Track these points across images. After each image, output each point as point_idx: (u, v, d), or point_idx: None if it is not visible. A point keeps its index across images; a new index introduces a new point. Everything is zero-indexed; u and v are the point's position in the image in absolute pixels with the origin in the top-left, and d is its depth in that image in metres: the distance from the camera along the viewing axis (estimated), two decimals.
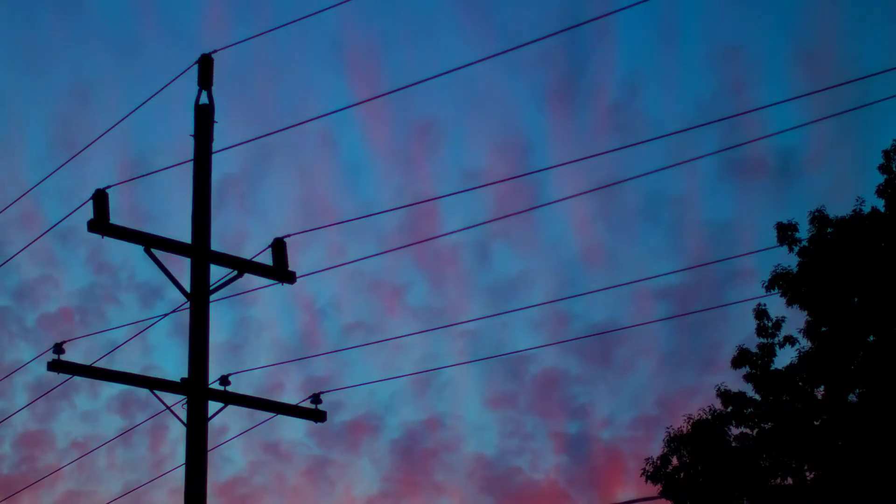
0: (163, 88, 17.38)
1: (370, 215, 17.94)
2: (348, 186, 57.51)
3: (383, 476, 52.62)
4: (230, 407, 16.82)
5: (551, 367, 50.86)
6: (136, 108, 17.91)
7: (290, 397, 47.80)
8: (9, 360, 51.24)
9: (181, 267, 16.54)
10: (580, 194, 17.02)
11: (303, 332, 53.44)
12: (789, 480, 25.65)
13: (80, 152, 18.63)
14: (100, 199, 16.05)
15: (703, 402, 26.68)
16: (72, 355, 16.16)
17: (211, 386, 16.35)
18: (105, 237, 16.01)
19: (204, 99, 16.87)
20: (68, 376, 16.39)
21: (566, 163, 15.83)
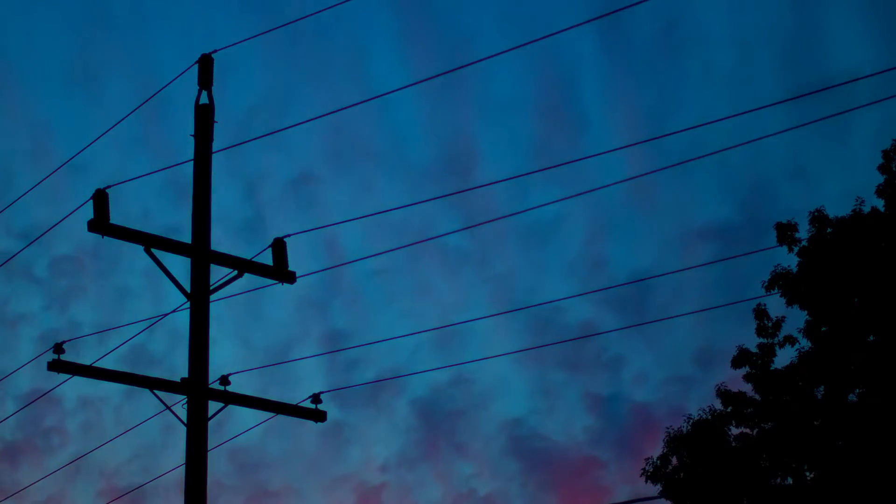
0: (163, 88, 17.40)
1: (370, 215, 17.94)
2: (380, 114, 55.36)
3: (403, 438, 50.69)
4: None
5: (585, 321, 48.16)
6: (138, 108, 17.93)
7: (311, 347, 46.74)
8: (18, 310, 50.45)
9: (178, 268, 16.57)
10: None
11: (323, 279, 51.93)
12: (789, 480, 25.66)
13: (76, 155, 18.63)
14: (100, 199, 16.06)
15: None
16: (74, 347, 16.23)
17: (211, 385, 16.37)
18: (105, 237, 16.05)
19: (204, 99, 16.88)
20: (68, 376, 16.42)
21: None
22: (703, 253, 46.25)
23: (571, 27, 15.23)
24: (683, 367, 48.18)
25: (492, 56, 15.79)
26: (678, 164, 16.29)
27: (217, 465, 44.76)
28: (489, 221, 17.88)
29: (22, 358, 46.00)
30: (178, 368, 16.15)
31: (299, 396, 17.39)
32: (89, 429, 48.84)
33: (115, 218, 16.05)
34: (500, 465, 49.20)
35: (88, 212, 16.03)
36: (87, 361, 16.24)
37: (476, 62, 16.06)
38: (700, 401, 25.66)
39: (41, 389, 16.15)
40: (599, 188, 17.00)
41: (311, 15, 17.18)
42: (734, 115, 14.85)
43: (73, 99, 55.05)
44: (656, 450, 26.90)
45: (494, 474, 49.26)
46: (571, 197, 17.31)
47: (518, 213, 17.77)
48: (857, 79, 14.27)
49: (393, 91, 16.97)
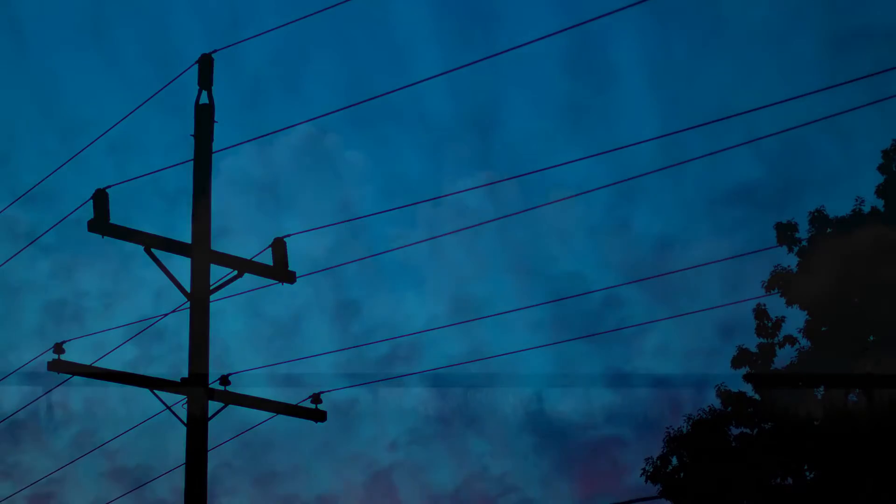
0: (163, 88, 17.39)
1: (373, 214, 17.94)
2: (397, 67, 54.38)
3: (415, 414, 49.96)
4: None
5: (606, 292, 46.91)
6: (136, 109, 17.93)
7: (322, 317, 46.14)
8: (20, 278, 49.75)
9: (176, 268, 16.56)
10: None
11: (335, 245, 51.12)
12: (789, 480, 25.65)
13: (92, 143, 18.59)
14: (100, 198, 16.07)
15: None
16: (77, 323, 16.27)
17: (211, 385, 16.36)
18: (105, 237, 16.06)
19: (204, 99, 16.85)
20: (68, 375, 16.45)
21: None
22: (731, 216, 45.53)
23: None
24: (707, 338, 47.24)
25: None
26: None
27: (223, 446, 44.38)
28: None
29: (25, 329, 45.71)
30: (183, 346, 16.11)
31: (307, 374, 17.38)
32: (92, 405, 48.35)
33: (121, 190, 16.02)
34: (515, 442, 48.69)
35: (93, 184, 16.00)
36: (90, 346, 16.23)
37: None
38: (723, 375, 25.07)
39: (44, 365, 16.16)
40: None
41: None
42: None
43: (82, 55, 54.68)
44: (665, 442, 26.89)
45: (509, 453, 48.74)
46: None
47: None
48: None
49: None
